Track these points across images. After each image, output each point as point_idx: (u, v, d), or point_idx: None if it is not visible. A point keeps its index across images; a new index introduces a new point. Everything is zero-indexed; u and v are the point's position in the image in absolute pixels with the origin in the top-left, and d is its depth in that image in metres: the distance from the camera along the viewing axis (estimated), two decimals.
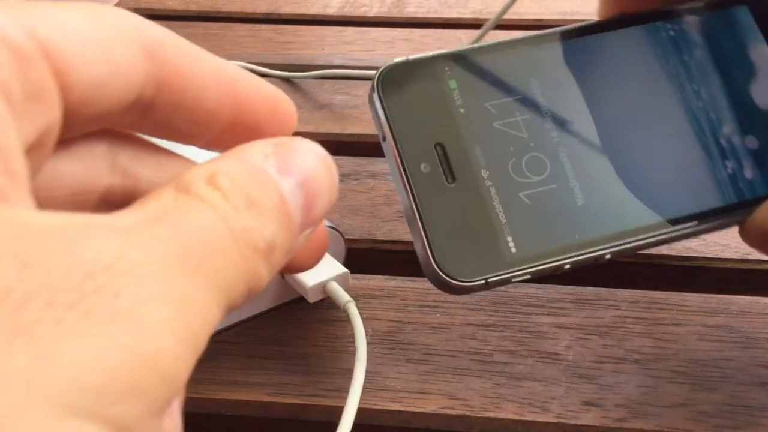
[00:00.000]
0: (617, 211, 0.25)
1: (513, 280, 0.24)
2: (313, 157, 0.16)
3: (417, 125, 0.25)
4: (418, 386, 0.27)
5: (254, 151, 0.15)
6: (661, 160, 0.26)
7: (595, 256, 0.25)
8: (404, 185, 0.24)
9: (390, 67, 0.25)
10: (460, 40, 0.53)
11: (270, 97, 0.18)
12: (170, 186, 0.14)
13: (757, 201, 0.26)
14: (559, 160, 0.25)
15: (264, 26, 0.57)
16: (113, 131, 0.17)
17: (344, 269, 0.29)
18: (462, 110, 0.25)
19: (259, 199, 0.14)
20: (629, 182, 0.26)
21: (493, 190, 0.24)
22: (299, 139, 0.16)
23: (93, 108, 0.15)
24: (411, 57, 0.25)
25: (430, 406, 0.26)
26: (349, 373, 0.27)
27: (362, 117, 0.44)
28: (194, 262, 0.13)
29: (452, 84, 0.25)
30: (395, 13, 0.59)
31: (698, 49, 0.27)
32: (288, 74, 0.49)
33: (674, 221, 0.25)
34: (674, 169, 0.26)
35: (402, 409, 0.26)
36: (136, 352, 0.11)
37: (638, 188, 0.26)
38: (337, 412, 0.25)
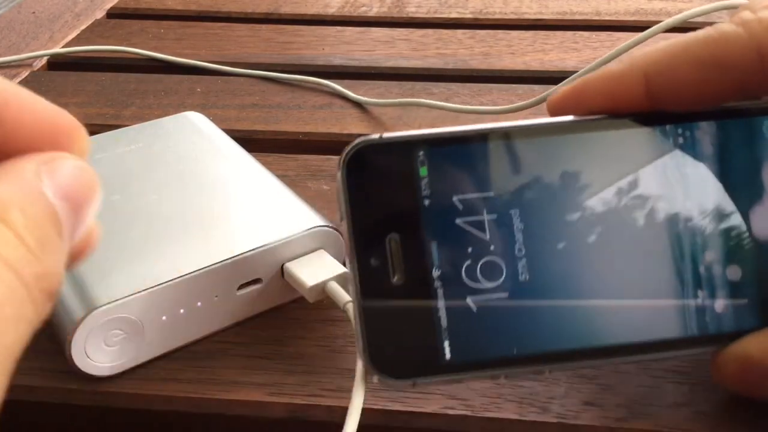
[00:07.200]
0: (565, 330, 0.24)
1: (444, 383, 0.24)
2: (75, 167, 0.16)
3: (376, 213, 0.23)
4: None
5: (28, 171, 0.15)
6: (628, 284, 0.24)
7: (532, 371, 0.24)
8: (352, 274, 0.23)
9: (360, 144, 0.23)
10: (461, 41, 0.54)
11: (48, 118, 0.17)
12: None
13: (728, 336, 0.24)
14: (517, 269, 0.23)
15: (264, 26, 0.57)
16: None
17: (344, 269, 0.29)
18: (427, 202, 0.23)
19: (48, 236, 0.15)
20: (586, 301, 0.24)
21: (440, 291, 0.23)
22: (58, 154, 0.16)
23: None
24: (385, 135, 0.23)
25: (430, 406, 0.26)
26: (349, 372, 0.27)
27: (362, 117, 0.44)
28: None
29: (423, 171, 0.23)
30: (395, 13, 0.59)
31: (704, 163, 0.24)
32: (287, 76, 0.49)
33: (626, 348, 0.24)
34: (640, 294, 0.24)
35: (402, 409, 0.26)
36: None
37: (594, 308, 0.24)
38: (337, 412, 0.25)
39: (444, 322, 0.23)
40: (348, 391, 0.24)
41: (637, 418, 0.25)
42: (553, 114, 0.25)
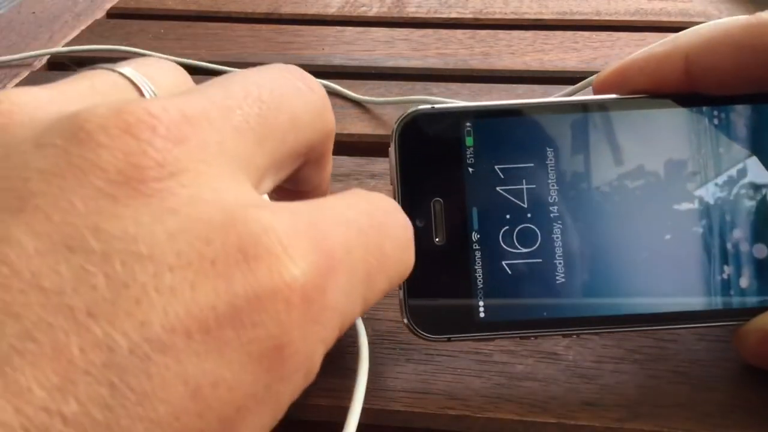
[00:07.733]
0: (594, 297, 0.25)
1: (476, 340, 0.26)
2: None
3: (423, 177, 0.25)
4: (418, 386, 0.27)
5: None
6: (657, 256, 0.25)
7: (562, 333, 0.26)
8: None
9: (413, 113, 0.25)
10: (461, 41, 0.54)
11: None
12: None
13: (751, 311, 0.25)
14: (552, 236, 0.25)
15: (264, 26, 0.57)
16: None
17: None
18: (471, 170, 0.25)
19: None
20: (615, 270, 0.25)
21: (478, 254, 0.25)
22: None
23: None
24: (437, 106, 0.26)
25: (430, 406, 0.26)
26: (348, 372, 0.27)
27: (362, 117, 0.44)
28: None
29: (469, 141, 0.25)
30: (395, 13, 0.59)
31: (735, 143, 0.26)
32: None
33: (653, 317, 0.25)
34: (668, 267, 0.25)
35: (402, 409, 0.26)
36: None
37: (623, 278, 0.25)
38: (338, 412, 0.25)
39: (480, 283, 0.25)
40: (348, 391, 0.24)
41: (637, 418, 0.25)
42: (598, 92, 0.27)
